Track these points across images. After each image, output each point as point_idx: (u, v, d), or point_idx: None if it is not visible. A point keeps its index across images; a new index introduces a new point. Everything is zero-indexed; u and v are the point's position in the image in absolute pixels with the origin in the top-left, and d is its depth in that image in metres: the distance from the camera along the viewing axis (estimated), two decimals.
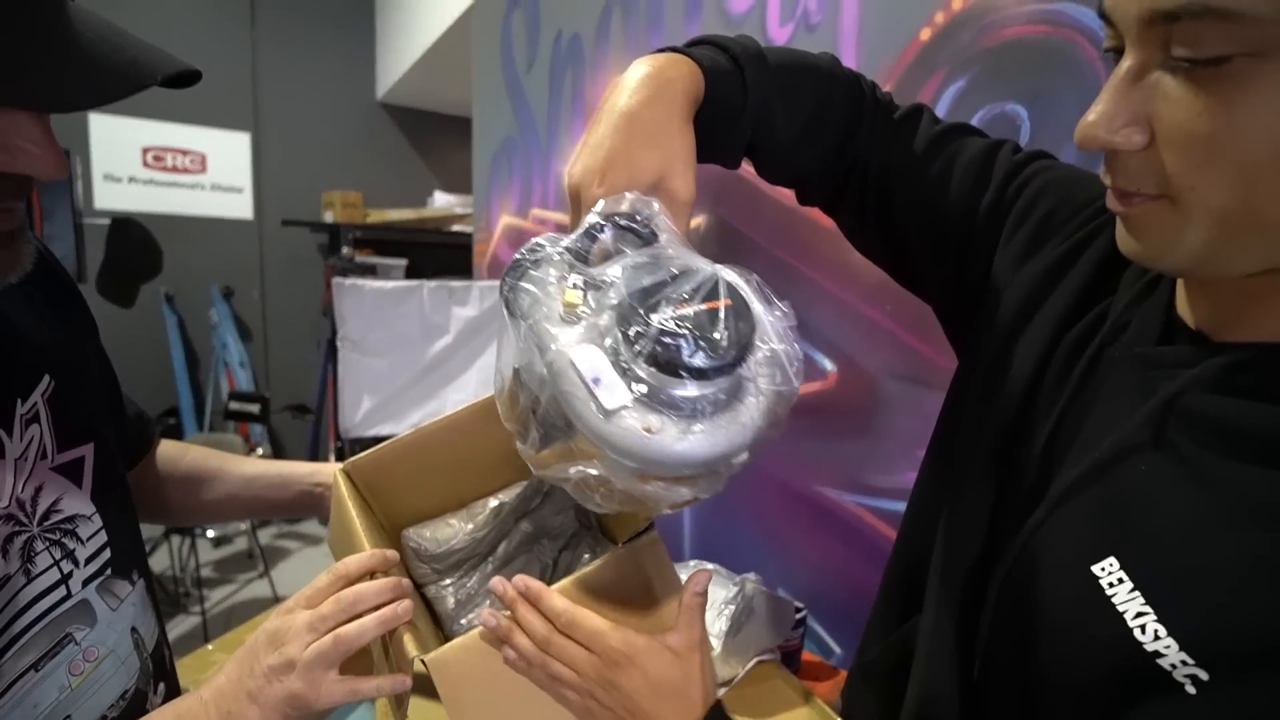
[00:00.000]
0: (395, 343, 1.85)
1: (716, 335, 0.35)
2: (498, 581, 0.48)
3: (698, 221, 1.45)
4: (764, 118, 0.50)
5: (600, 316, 0.37)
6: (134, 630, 0.54)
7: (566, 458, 0.39)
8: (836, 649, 1.18)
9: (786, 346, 0.38)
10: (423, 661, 0.47)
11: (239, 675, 0.48)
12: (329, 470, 0.73)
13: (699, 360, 0.35)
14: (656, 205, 0.42)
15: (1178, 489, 0.35)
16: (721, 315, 0.36)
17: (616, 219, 0.41)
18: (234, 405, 3.09)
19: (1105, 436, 0.38)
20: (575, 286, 0.39)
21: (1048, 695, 0.39)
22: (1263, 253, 0.32)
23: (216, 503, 0.74)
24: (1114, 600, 0.35)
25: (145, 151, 3.62)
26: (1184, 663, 0.32)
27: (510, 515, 0.68)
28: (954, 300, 0.56)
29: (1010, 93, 0.90)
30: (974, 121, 0.94)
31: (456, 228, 4.07)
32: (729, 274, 0.39)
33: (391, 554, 0.54)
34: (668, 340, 0.35)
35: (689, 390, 0.35)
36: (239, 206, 3.94)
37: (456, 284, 1.90)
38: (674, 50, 0.49)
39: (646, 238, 0.41)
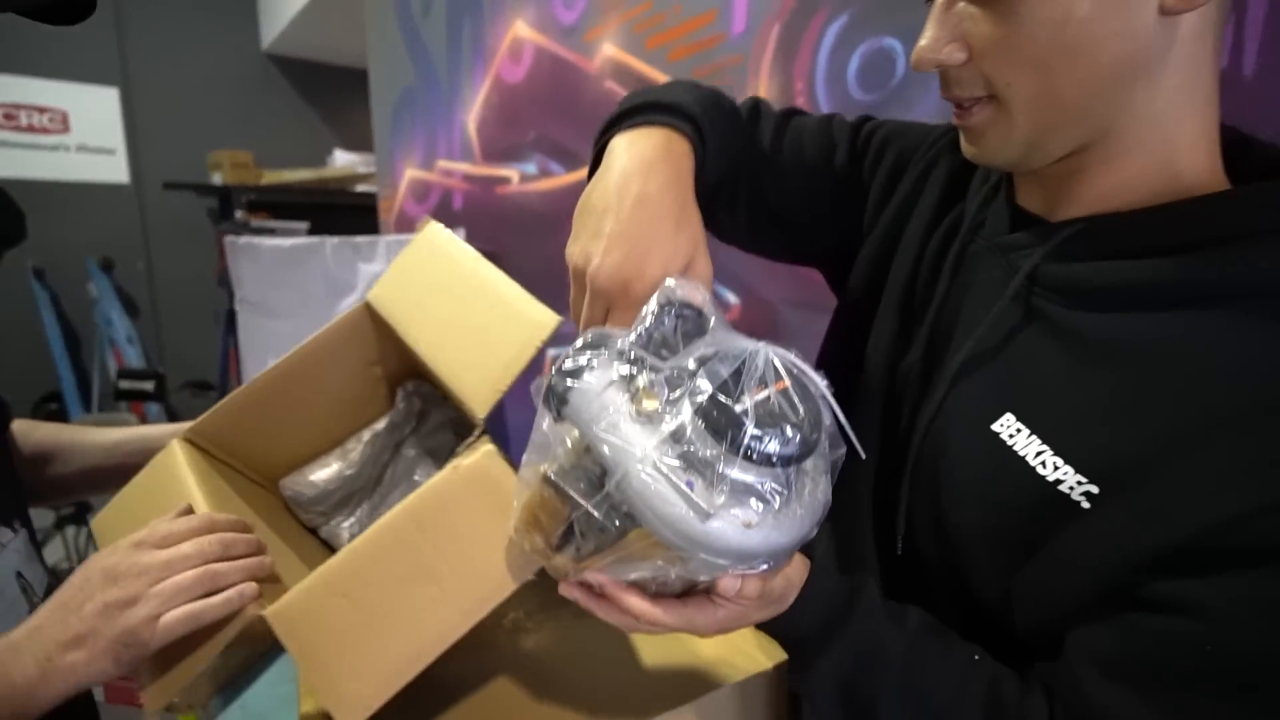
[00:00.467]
0: (299, 303, 1.78)
1: (799, 418, 0.34)
2: (567, 590, 0.42)
3: None
4: (709, 178, 0.52)
5: (679, 416, 0.35)
6: (20, 575, 0.53)
7: (621, 563, 0.38)
8: None
9: (835, 414, 0.38)
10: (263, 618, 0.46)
11: (62, 616, 0.43)
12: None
13: (791, 447, 0.34)
14: (704, 291, 0.41)
15: (1049, 343, 0.42)
16: (794, 397, 0.35)
17: (674, 310, 0.39)
18: (124, 384, 2.89)
19: (982, 316, 0.45)
20: (651, 386, 0.36)
21: (970, 546, 0.44)
22: (1071, 133, 0.40)
23: (73, 478, 0.68)
24: (1015, 448, 0.41)
25: None
26: (1079, 483, 0.38)
27: (386, 444, 0.68)
28: (838, 259, 0.61)
29: (886, 29, 0.96)
30: (855, 56, 0.99)
31: (361, 188, 3.89)
32: (777, 351, 0.37)
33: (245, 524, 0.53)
34: (760, 432, 0.33)
35: (780, 478, 0.34)
36: (112, 170, 3.61)
37: (361, 239, 1.83)
38: (651, 121, 0.48)
39: (702, 324, 0.40)
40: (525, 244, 1.79)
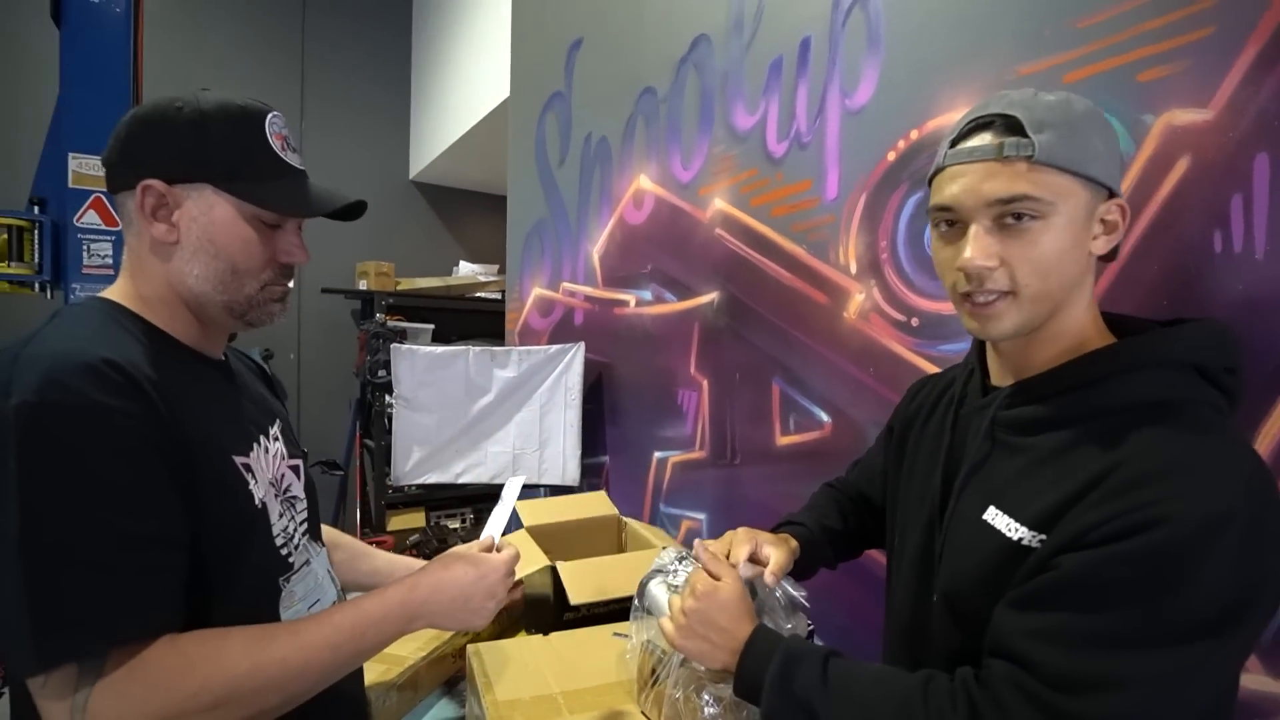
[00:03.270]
0: (442, 401, 2.09)
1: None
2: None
3: (712, 297, 1.71)
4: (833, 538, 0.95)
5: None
6: (329, 572, 0.81)
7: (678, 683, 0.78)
8: None
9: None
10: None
11: (459, 604, 0.71)
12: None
13: None
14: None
15: (1008, 459, 0.66)
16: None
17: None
18: None
19: (973, 450, 0.70)
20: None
21: (972, 593, 0.65)
22: (1045, 313, 0.64)
23: (367, 576, 0.98)
24: (996, 526, 0.63)
25: None
26: (1033, 536, 0.59)
27: None
28: None
29: None
30: (930, 224, 1.20)
31: (481, 294, 4.38)
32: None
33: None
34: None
35: None
36: None
37: (498, 349, 2.14)
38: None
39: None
40: (635, 357, 2.05)
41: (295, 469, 0.80)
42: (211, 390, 0.71)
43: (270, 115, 0.71)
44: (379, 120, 4.51)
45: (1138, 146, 0.91)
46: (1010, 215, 0.61)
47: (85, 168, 2.12)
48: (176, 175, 0.66)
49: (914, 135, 1.23)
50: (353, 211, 0.81)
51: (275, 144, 0.70)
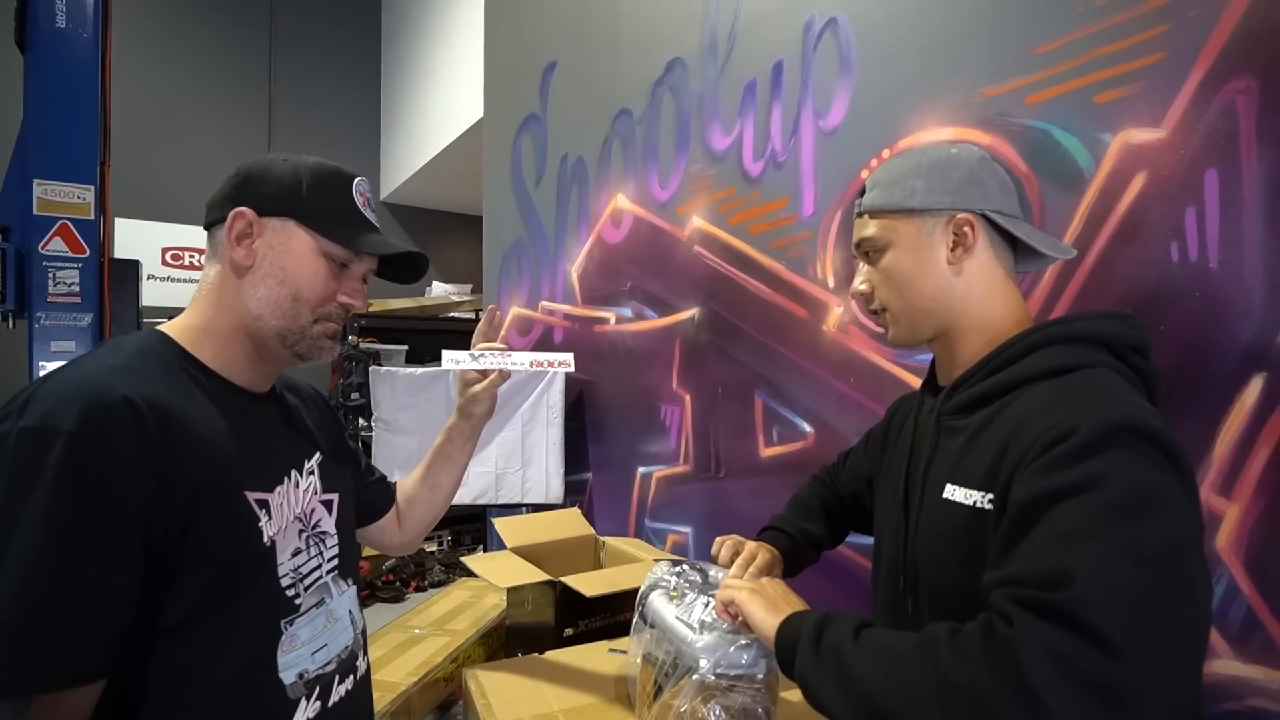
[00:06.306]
0: (423, 423, 2.07)
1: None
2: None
3: (693, 313, 1.74)
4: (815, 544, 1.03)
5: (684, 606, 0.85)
6: (350, 612, 0.80)
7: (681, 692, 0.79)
8: None
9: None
10: None
11: None
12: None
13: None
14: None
15: (955, 439, 0.73)
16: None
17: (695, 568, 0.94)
18: None
19: (926, 445, 0.78)
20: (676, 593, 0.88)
21: (949, 577, 0.70)
22: (925, 324, 0.77)
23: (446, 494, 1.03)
24: (956, 499, 0.69)
25: (165, 251, 3.89)
26: (983, 496, 0.66)
27: None
28: None
29: None
30: None
31: (453, 314, 4.36)
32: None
33: None
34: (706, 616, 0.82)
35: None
36: None
37: None
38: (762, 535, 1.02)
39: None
40: (616, 374, 2.06)
41: (328, 504, 0.80)
42: (240, 425, 0.71)
43: (358, 179, 0.78)
44: (348, 145, 4.49)
45: (1097, 164, 0.96)
46: (864, 254, 0.79)
47: (50, 194, 2.08)
48: (268, 209, 0.73)
49: (886, 154, 1.27)
50: (412, 271, 0.85)
51: (359, 200, 0.77)
